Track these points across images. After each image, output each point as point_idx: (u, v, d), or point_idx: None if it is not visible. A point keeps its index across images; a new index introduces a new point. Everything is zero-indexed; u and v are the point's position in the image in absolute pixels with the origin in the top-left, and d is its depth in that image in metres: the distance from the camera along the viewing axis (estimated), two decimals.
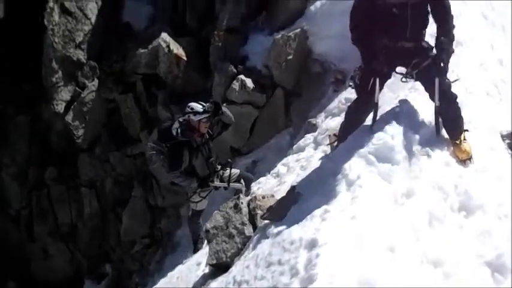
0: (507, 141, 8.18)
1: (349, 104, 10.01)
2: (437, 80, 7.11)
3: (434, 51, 7.31)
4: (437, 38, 7.22)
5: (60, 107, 19.97)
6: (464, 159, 7.15)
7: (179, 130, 10.01)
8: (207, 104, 10.02)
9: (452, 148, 7.27)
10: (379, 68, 7.35)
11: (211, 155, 10.52)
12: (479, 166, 7.11)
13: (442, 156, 7.06)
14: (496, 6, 12.41)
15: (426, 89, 7.47)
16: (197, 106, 9.93)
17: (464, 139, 7.29)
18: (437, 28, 7.30)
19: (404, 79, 7.57)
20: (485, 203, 6.32)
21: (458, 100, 7.30)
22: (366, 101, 7.56)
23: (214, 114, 10.18)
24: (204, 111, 9.91)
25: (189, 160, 10.15)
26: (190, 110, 9.95)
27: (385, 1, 7.11)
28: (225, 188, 10.77)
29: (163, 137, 10.17)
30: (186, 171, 10.21)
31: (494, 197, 6.49)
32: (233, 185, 10.67)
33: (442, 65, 7.18)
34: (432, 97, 7.27)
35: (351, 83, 7.98)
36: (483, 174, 6.93)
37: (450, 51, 7.15)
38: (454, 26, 7.24)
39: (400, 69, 7.63)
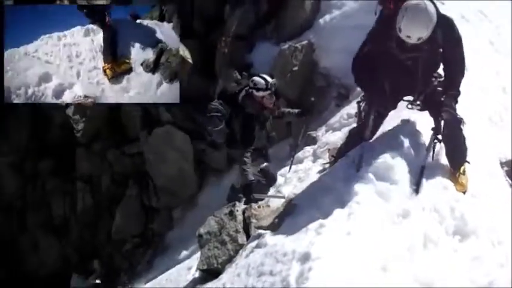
0: (506, 168, 8.18)
1: (350, 119, 10.08)
2: (431, 139, 7.16)
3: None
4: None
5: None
6: (460, 192, 7.10)
7: (247, 102, 9.88)
8: (271, 80, 9.89)
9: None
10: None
11: (272, 129, 10.47)
12: (477, 192, 7.08)
13: (440, 179, 7.04)
14: (503, 32, 12.44)
15: (431, 115, 7.42)
16: (260, 81, 9.78)
17: (464, 172, 7.22)
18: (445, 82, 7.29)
19: (410, 106, 7.58)
20: (479, 229, 6.31)
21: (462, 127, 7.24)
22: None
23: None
24: (267, 88, 9.79)
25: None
26: (253, 86, 9.81)
27: (398, 55, 7.09)
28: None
29: (229, 102, 9.96)
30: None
31: (489, 223, 6.48)
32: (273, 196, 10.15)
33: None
34: (436, 127, 7.19)
35: (356, 112, 8.07)
36: (480, 200, 6.92)
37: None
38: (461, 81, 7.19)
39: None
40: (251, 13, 16.08)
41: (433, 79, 7.37)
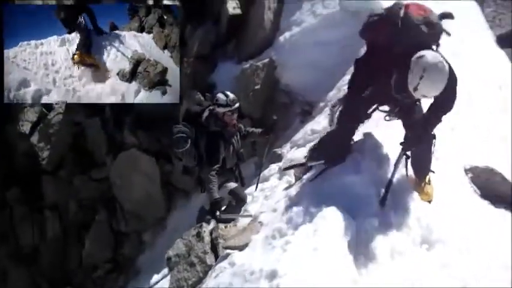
0: (470, 175, 8.24)
1: (315, 135, 10.08)
2: (400, 155, 7.06)
3: None
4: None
5: (26, 128, 19.86)
6: (425, 201, 7.11)
7: (211, 120, 9.77)
8: (231, 95, 9.80)
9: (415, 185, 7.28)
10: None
11: (240, 147, 10.30)
12: (442, 200, 7.13)
13: (405, 189, 7.07)
14: (466, 39, 12.50)
15: (404, 126, 7.37)
16: (221, 97, 9.71)
17: (429, 182, 7.26)
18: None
19: (388, 117, 7.46)
20: (446, 237, 6.35)
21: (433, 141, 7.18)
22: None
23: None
24: (227, 105, 9.69)
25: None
26: (215, 101, 9.73)
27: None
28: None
29: (193, 123, 9.83)
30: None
31: (456, 230, 6.52)
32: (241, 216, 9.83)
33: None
34: (405, 141, 7.05)
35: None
36: (445, 208, 6.96)
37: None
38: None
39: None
40: (212, 33, 16.12)
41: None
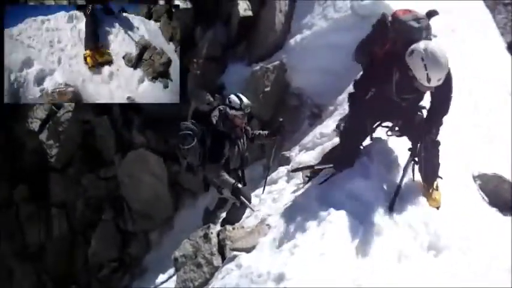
0: (478, 182, 8.22)
1: (323, 138, 10.07)
2: (409, 161, 7.12)
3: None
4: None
5: (35, 125, 19.83)
6: (433, 207, 7.11)
7: (220, 120, 9.75)
8: (246, 101, 9.73)
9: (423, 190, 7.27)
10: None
11: (246, 150, 10.24)
12: (450, 206, 7.12)
13: (413, 195, 7.06)
14: (468, 41, 12.48)
15: (409, 139, 7.35)
16: (235, 100, 9.63)
17: (437, 187, 7.26)
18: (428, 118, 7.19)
19: (389, 133, 7.55)
20: (453, 243, 6.34)
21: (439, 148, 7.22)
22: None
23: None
24: (240, 109, 9.64)
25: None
26: (228, 103, 9.68)
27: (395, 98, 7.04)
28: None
29: (201, 121, 9.79)
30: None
31: (463, 237, 6.51)
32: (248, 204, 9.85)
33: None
34: (413, 148, 7.14)
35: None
36: (453, 215, 6.95)
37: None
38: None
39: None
40: (223, 34, 16.12)
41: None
